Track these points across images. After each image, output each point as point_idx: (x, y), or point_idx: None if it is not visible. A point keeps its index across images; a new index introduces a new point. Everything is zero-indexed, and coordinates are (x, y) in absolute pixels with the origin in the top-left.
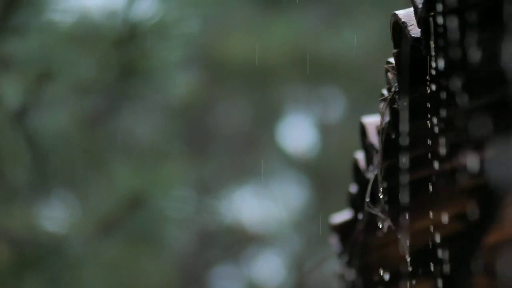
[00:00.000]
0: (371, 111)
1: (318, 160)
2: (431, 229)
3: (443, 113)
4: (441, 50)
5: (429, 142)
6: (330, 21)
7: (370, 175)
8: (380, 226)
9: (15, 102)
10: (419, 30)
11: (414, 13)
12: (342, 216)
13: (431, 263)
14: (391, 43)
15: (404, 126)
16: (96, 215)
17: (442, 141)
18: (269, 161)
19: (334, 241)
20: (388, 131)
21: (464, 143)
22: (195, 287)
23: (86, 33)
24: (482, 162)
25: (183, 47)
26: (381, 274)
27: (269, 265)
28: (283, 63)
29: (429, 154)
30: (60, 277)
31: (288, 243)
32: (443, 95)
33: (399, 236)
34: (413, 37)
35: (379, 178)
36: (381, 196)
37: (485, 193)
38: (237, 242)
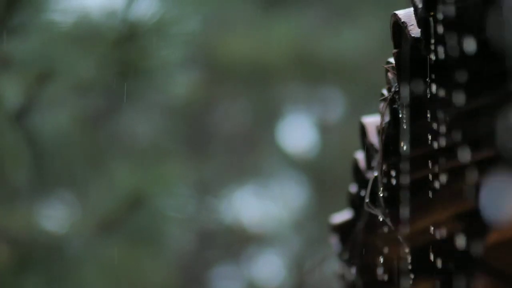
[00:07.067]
0: (371, 111)
1: (318, 160)
2: (431, 229)
3: (443, 113)
4: (441, 50)
5: (429, 142)
6: (330, 21)
7: (370, 175)
8: (380, 226)
9: (15, 102)
10: (419, 30)
11: (414, 13)
12: (342, 216)
13: (431, 263)
14: (391, 43)
15: (404, 126)
16: (96, 215)
17: (442, 141)
18: (269, 161)
19: (334, 241)
20: (388, 131)
21: (464, 142)
22: (195, 287)
23: (86, 33)
24: (482, 161)
25: (183, 47)
26: (381, 274)
27: (269, 265)
28: (283, 63)
29: (429, 154)
30: (60, 277)
31: (288, 243)
32: (443, 94)
33: (399, 236)
34: (413, 37)
35: (379, 178)
36: (381, 196)
37: (485, 193)
38: (237, 242)
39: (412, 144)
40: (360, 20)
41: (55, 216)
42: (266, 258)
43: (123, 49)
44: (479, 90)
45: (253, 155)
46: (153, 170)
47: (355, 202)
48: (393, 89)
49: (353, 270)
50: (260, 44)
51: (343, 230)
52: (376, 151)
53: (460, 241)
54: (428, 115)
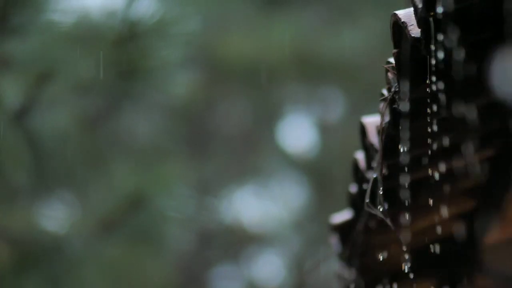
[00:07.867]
0: (371, 111)
1: (318, 160)
2: (431, 229)
3: (443, 113)
4: (441, 50)
5: (429, 142)
6: (330, 21)
7: (370, 175)
8: (380, 226)
9: (15, 102)
10: (419, 30)
11: (414, 13)
12: (342, 216)
13: (431, 263)
14: (391, 43)
15: (404, 126)
16: (96, 215)
17: (442, 141)
18: (269, 161)
19: (334, 241)
20: (388, 131)
21: (464, 143)
22: (195, 287)
23: (86, 33)
24: (482, 161)
25: (183, 47)
26: (381, 274)
27: (269, 265)
28: (283, 63)
29: (429, 154)
30: (60, 277)
31: (288, 243)
32: (443, 94)
33: (399, 236)
34: (413, 37)
35: (379, 178)
36: (381, 196)
37: (485, 193)
38: (237, 242)
39: (412, 144)
40: (360, 20)
41: (55, 216)
42: (266, 258)
43: (123, 49)
44: (478, 89)
45: (253, 155)
46: (153, 170)
47: (355, 202)
48: (393, 89)
49: (353, 270)
50: (260, 44)
51: (343, 230)
52: (376, 151)
53: (460, 241)
54: (428, 115)
